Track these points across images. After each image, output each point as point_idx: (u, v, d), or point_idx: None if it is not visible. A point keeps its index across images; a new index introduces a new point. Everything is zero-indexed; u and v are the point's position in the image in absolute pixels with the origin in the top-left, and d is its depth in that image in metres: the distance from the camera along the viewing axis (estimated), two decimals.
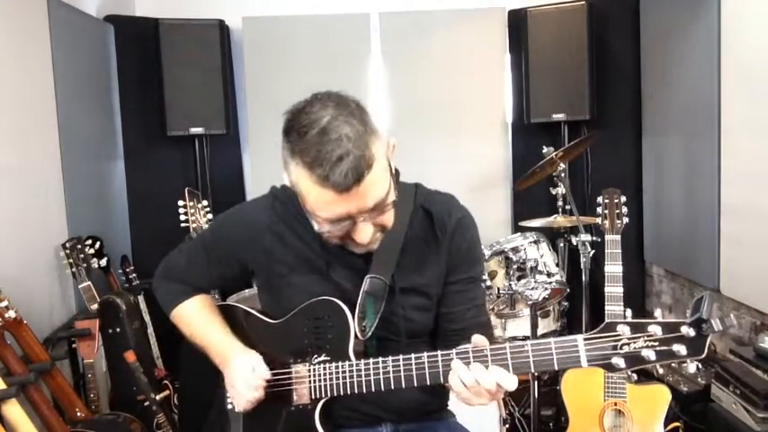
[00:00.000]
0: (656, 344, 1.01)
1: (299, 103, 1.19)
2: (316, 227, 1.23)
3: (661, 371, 2.53)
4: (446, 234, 1.36)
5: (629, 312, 1.08)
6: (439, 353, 1.16)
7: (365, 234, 1.20)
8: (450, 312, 1.37)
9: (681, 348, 1.00)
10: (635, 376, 0.95)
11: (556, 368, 1.09)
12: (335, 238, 1.23)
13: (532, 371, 1.09)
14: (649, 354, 1.01)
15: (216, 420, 1.44)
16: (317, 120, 1.13)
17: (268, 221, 1.36)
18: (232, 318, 1.47)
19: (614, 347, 1.03)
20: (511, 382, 1.09)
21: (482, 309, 1.43)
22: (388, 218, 1.23)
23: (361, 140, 1.12)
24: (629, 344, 1.02)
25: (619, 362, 1.02)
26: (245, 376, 1.31)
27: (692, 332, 0.99)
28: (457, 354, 1.14)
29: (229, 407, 1.41)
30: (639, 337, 1.02)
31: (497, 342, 1.14)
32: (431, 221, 1.36)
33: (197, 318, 1.46)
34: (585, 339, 1.05)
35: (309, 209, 1.19)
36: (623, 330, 1.03)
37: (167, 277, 1.52)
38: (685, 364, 1.01)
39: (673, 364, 2.58)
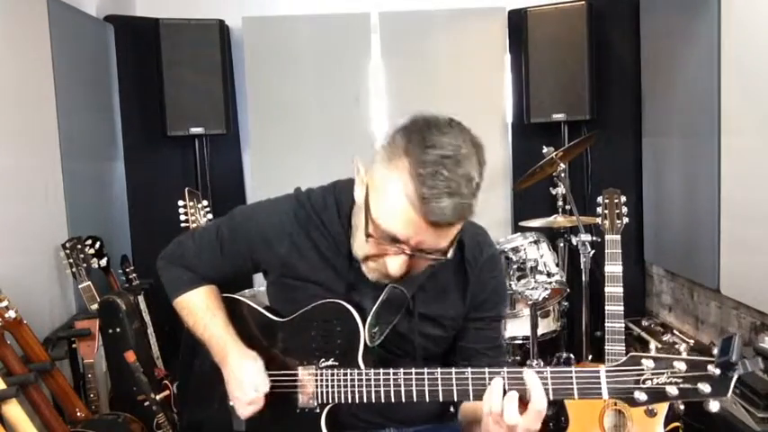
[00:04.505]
0: (680, 381, 0.99)
1: (434, 115, 1.13)
2: (359, 235, 1.17)
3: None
4: (475, 269, 1.32)
5: (653, 345, 1.07)
6: (453, 371, 1.13)
7: (397, 267, 1.14)
8: (468, 348, 1.34)
9: (705, 387, 0.98)
10: (656, 410, 0.94)
11: (575, 398, 1.06)
12: (365, 253, 1.19)
13: (550, 398, 1.06)
14: (672, 390, 0.99)
15: (219, 415, 1.42)
16: (449, 143, 1.08)
17: (290, 229, 1.32)
18: (237, 312, 1.44)
19: (637, 382, 1.01)
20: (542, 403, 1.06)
21: (500, 350, 1.39)
22: (423, 265, 1.19)
23: (475, 192, 1.10)
24: (652, 379, 1.00)
25: (640, 396, 1.00)
26: (243, 388, 1.28)
27: (717, 371, 0.97)
28: (472, 373, 1.12)
29: (231, 403, 1.39)
30: (663, 373, 1.00)
31: (513, 366, 1.12)
32: (461, 252, 1.32)
33: (202, 309, 1.41)
34: (608, 372, 1.03)
35: (373, 213, 1.12)
36: (647, 364, 1.01)
37: (175, 262, 1.47)
38: (707, 403, 0.99)
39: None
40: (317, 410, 1.27)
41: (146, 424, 2.35)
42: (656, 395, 1.00)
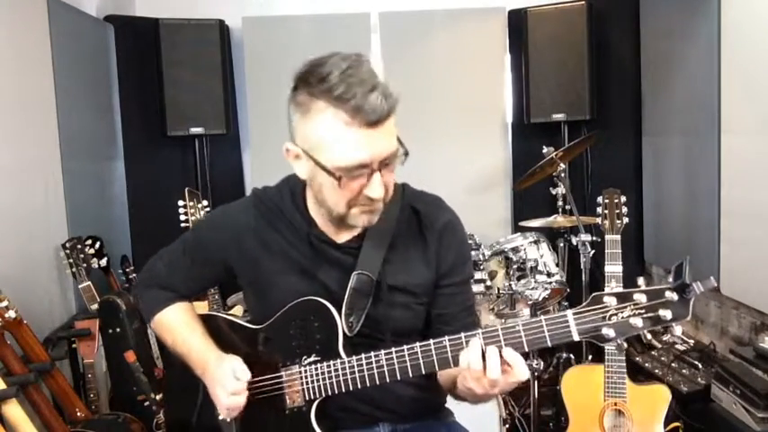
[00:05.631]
0: (643, 311, 1.04)
1: (310, 59, 1.18)
2: (328, 194, 1.20)
3: (659, 369, 2.53)
4: (434, 236, 1.35)
5: (614, 283, 1.10)
6: (432, 341, 1.17)
7: (379, 187, 1.17)
8: (443, 314, 1.37)
9: (666, 313, 1.03)
10: (625, 345, 0.97)
11: (549, 344, 1.10)
12: (343, 205, 1.21)
13: (525, 350, 1.10)
14: (637, 321, 1.04)
15: (207, 429, 1.42)
16: (337, 64, 1.13)
17: (253, 223, 1.35)
18: (215, 327, 1.45)
19: (603, 318, 1.06)
20: (522, 370, 1.10)
21: (472, 309, 1.44)
22: (392, 178, 1.23)
23: (384, 81, 1.14)
24: (616, 314, 1.06)
25: (609, 332, 1.05)
26: (224, 383, 1.28)
27: (675, 296, 1.02)
28: (449, 341, 1.15)
29: (221, 416, 1.39)
30: (626, 307, 1.05)
31: (489, 326, 1.15)
32: (418, 222, 1.36)
33: (177, 326, 1.43)
34: (575, 314, 1.08)
35: (327, 162, 1.15)
36: (610, 301, 1.06)
37: (149, 285, 1.50)
38: (672, 328, 1.04)
39: (673, 364, 2.58)
40: (305, 408, 1.28)
41: (146, 424, 2.35)
42: (623, 329, 1.05)
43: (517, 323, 1.11)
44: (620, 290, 1.07)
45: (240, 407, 1.29)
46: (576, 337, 1.07)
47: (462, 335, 1.14)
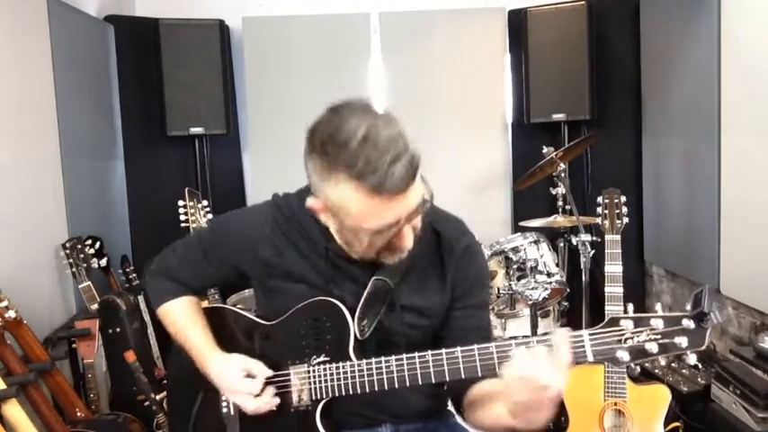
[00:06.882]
0: (659, 337, 1.04)
1: (322, 118, 1.12)
2: (357, 248, 1.20)
3: (659, 369, 2.53)
4: (452, 259, 1.34)
5: (630, 307, 1.10)
6: (444, 351, 1.16)
7: (408, 238, 1.17)
8: (454, 335, 1.35)
9: (682, 341, 1.02)
10: (638, 369, 0.96)
11: None
12: (372, 253, 1.21)
13: None
14: (652, 347, 1.03)
15: (210, 422, 1.42)
16: (355, 129, 1.06)
17: (269, 233, 1.34)
18: (224, 320, 1.45)
19: (619, 341, 1.05)
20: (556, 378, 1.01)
21: (485, 333, 1.39)
22: (419, 219, 1.20)
23: (404, 139, 1.08)
24: (632, 338, 1.05)
25: (623, 355, 1.05)
26: (236, 386, 1.30)
27: (692, 325, 1.02)
28: (462, 353, 1.14)
29: (224, 410, 1.39)
30: (642, 331, 1.04)
31: (501, 340, 1.14)
32: (438, 243, 1.34)
33: (182, 319, 1.44)
34: (591, 335, 1.07)
35: (353, 225, 1.13)
36: (627, 325, 1.05)
37: (160, 275, 1.51)
38: (686, 356, 1.03)
39: (673, 364, 2.58)
40: (311, 407, 1.29)
41: (146, 424, 2.35)
42: (638, 353, 1.05)
43: (532, 340, 1.10)
44: (638, 314, 1.06)
45: (270, 404, 1.30)
46: (591, 358, 1.06)
47: (475, 347, 1.14)
